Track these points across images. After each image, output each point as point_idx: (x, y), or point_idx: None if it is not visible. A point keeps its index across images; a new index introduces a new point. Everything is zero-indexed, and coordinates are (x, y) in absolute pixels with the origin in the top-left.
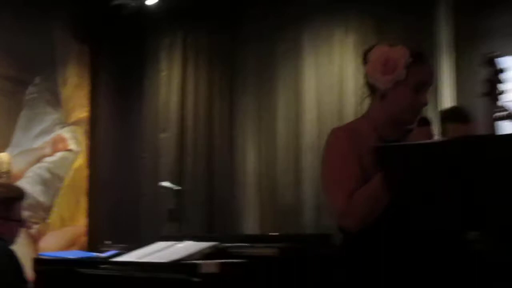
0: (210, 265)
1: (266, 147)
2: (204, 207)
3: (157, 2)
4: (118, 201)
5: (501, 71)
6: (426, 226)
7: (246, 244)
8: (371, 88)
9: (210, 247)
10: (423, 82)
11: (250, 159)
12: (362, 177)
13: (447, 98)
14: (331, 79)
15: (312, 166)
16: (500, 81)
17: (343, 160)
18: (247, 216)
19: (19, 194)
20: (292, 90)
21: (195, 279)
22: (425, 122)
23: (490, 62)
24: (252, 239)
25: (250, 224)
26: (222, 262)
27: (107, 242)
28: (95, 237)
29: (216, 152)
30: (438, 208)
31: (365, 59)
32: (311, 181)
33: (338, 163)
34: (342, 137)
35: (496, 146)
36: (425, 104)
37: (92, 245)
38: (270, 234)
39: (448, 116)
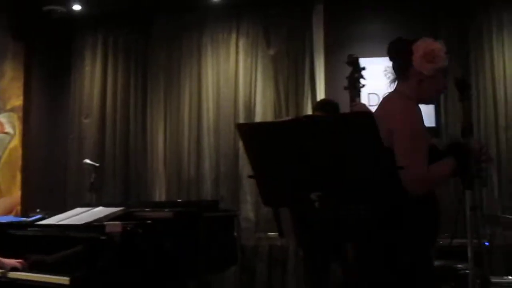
0: (114, 226)
1: (173, 129)
2: (121, 181)
3: (82, 8)
4: (48, 176)
5: (361, 70)
6: (280, 189)
7: (148, 209)
8: (406, 72)
9: (117, 212)
10: (447, 69)
11: (160, 140)
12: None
13: (320, 92)
14: (227, 74)
15: (210, 145)
16: (360, 78)
17: (420, 130)
18: (157, 187)
19: None
20: (195, 82)
21: (102, 237)
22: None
23: (353, 62)
24: (156, 205)
25: (159, 194)
26: (124, 223)
27: (38, 210)
28: (28, 206)
29: (131, 134)
30: (287, 176)
31: (402, 49)
32: (210, 158)
33: (416, 132)
34: (414, 110)
35: (326, 125)
36: (447, 87)
37: (25, 212)
38: (170, 200)
39: (319, 107)
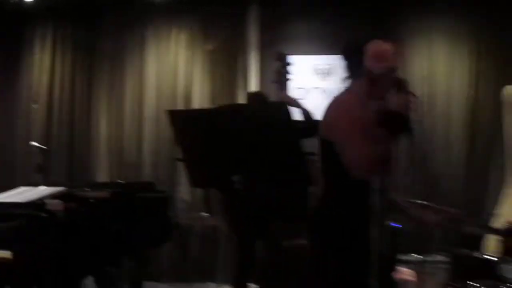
0: (54, 204)
1: (116, 116)
2: (66, 163)
3: (34, 0)
4: None
5: (288, 64)
6: (206, 172)
7: (88, 189)
8: (358, 71)
9: (58, 191)
10: (397, 68)
11: (103, 126)
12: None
13: (253, 84)
14: (167, 67)
15: (151, 132)
16: (287, 72)
17: (359, 122)
18: (100, 169)
19: None
20: (137, 73)
21: (43, 214)
22: (400, 84)
23: (280, 58)
24: (97, 185)
25: (102, 176)
26: (64, 201)
27: None
28: None
29: (77, 120)
30: (211, 159)
31: (354, 50)
32: (150, 143)
33: (354, 124)
34: (354, 103)
35: (248, 113)
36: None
37: None
38: (110, 181)
39: (250, 97)
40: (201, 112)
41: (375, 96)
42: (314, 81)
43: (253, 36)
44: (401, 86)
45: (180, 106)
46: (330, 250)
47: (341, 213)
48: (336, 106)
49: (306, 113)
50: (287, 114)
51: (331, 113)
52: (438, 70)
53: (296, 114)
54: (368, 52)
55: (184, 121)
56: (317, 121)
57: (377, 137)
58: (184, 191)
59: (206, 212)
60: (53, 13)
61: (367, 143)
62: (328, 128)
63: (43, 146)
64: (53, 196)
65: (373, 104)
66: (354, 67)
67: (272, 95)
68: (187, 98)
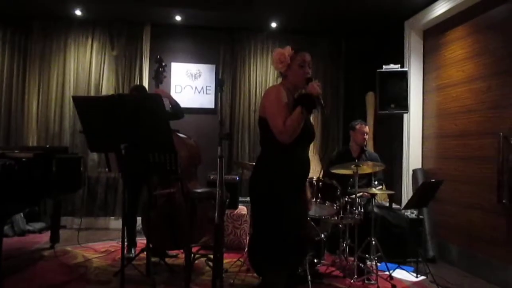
0: None
1: (44, 98)
2: (4, 133)
3: None
4: None
5: (163, 66)
6: (101, 141)
7: (17, 151)
8: (279, 72)
9: None
10: (302, 62)
11: (34, 105)
12: (288, 112)
13: (145, 81)
14: (83, 65)
15: (70, 111)
16: (162, 72)
17: (279, 102)
18: (30, 138)
19: None
20: (61, 69)
21: None
22: (309, 80)
23: (158, 61)
24: (25, 149)
25: (32, 142)
26: None
27: None
28: None
29: (13, 101)
30: (106, 132)
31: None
32: (69, 119)
33: (275, 103)
34: (276, 90)
35: (131, 100)
36: (307, 73)
37: None
38: (37, 146)
39: (133, 88)
40: (97, 98)
41: (297, 85)
42: (187, 81)
43: (146, 46)
44: (309, 79)
45: (92, 94)
46: (254, 205)
47: (265, 174)
48: (266, 93)
49: (174, 102)
50: (159, 102)
51: (263, 98)
52: None
53: (167, 103)
54: (275, 57)
55: (84, 104)
56: (181, 109)
57: (294, 112)
58: (93, 154)
59: (107, 168)
60: None
61: (286, 116)
62: (262, 108)
63: None
64: None
65: (294, 91)
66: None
67: (152, 89)
68: (97, 89)
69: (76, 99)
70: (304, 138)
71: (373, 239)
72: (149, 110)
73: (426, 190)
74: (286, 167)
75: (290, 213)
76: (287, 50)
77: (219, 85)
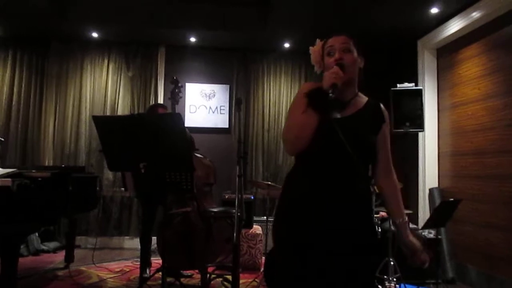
0: (5, 181)
1: (60, 118)
2: (21, 152)
3: None
4: None
5: (179, 87)
6: (120, 160)
7: (34, 170)
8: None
9: (11, 172)
10: (329, 49)
11: (50, 125)
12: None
13: (160, 100)
14: (99, 86)
15: (86, 131)
16: (178, 93)
17: (294, 103)
18: (47, 157)
19: None
20: (77, 89)
21: None
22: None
23: (174, 82)
24: (42, 168)
25: (48, 162)
26: (13, 179)
27: None
28: None
29: (30, 120)
30: (125, 151)
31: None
32: (85, 139)
33: (292, 105)
34: (302, 88)
35: (150, 119)
36: (338, 59)
37: None
38: (53, 165)
39: (150, 109)
40: (117, 118)
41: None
42: (201, 101)
43: (161, 67)
44: (340, 65)
45: (107, 114)
46: None
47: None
48: None
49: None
50: (179, 121)
51: None
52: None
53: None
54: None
55: (104, 124)
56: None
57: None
58: (109, 173)
59: (123, 187)
60: (13, 41)
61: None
62: None
63: (1, 138)
64: (6, 175)
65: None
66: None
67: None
68: (112, 109)
69: (96, 119)
70: (333, 148)
71: (391, 259)
72: (169, 128)
73: (444, 209)
74: (297, 188)
75: (287, 267)
76: (317, 45)
77: (237, 103)
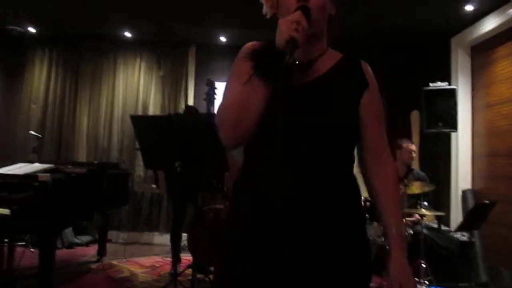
0: (44, 176)
1: (94, 116)
2: (55, 147)
3: (35, 30)
4: (4, 143)
5: (215, 88)
6: (156, 158)
7: (70, 166)
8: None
9: (49, 167)
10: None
11: (84, 122)
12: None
13: (190, 100)
14: (132, 85)
15: (118, 128)
16: (214, 94)
17: (231, 73)
18: (80, 153)
19: None
20: (110, 88)
21: (35, 183)
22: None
23: (209, 83)
24: (77, 164)
25: (82, 157)
26: (51, 175)
27: None
28: None
29: (65, 117)
30: (160, 149)
31: None
32: (117, 136)
33: (229, 75)
34: (241, 50)
35: (186, 119)
36: (298, 1)
37: None
38: (87, 161)
39: (187, 109)
40: (153, 117)
41: None
42: None
43: (191, 67)
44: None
45: (139, 112)
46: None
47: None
48: None
49: None
50: (213, 122)
51: None
52: None
53: None
54: None
55: (141, 122)
56: None
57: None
58: (140, 170)
59: (154, 184)
60: (49, 41)
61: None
62: None
63: (38, 134)
64: (44, 170)
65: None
66: None
67: (203, 109)
68: (145, 107)
69: (134, 118)
70: (294, 133)
71: (422, 261)
72: (202, 129)
73: (478, 211)
74: (243, 194)
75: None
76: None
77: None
